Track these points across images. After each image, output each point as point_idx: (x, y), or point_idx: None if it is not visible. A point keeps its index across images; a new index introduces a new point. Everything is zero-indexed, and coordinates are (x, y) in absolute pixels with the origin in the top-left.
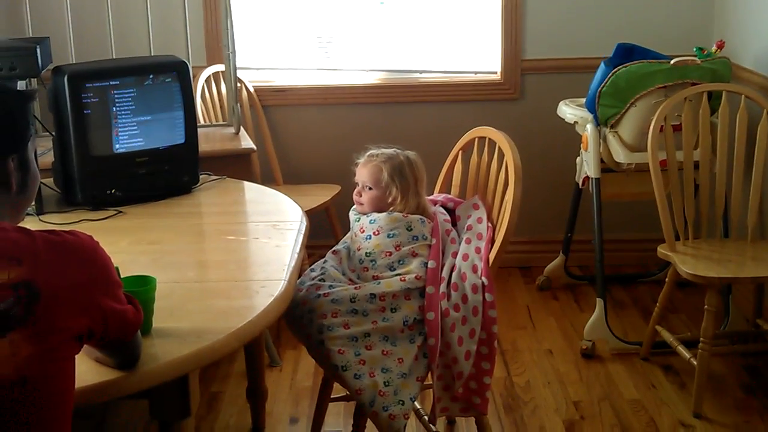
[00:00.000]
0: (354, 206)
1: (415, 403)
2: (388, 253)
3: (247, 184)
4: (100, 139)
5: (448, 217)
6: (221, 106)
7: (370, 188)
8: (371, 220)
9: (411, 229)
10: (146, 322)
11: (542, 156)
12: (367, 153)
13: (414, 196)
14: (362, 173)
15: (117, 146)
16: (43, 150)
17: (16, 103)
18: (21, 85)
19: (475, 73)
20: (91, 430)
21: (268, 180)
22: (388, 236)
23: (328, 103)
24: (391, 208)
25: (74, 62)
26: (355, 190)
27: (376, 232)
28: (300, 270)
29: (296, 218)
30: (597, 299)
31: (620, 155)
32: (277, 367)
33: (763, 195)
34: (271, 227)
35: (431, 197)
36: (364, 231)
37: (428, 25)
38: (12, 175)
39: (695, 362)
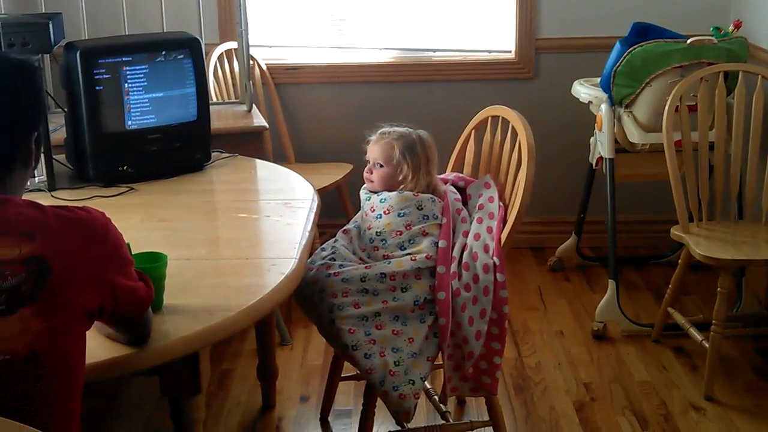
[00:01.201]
0: (365, 185)
1: (426, 382)
2: (398, 233)
3: (258, 161)
4: (112, 116)
5: (459, 196)
6: (233, 84)
7: (381, 165)
8: (381, 199)
9: (421, 209)
10: (157, 298)
11: (556, 136)
12: (380, 131)
13: (425, 175)
14: (374, 150)
15: (129, 123)
16: (55, 126)
17: (37, 78)
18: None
19: (489, 52)
20: (102, 407)
21: (279, 158)
22: (399, 215)
23: (341, 82)
24: (401, 187)
25: (87, 38)
26: (366, 167)
27: (387, 212)
28: (311, 249)
29: (308, 197)
30: (609, 281)
31: (635, 135)
32: (287, 346)
33: None
34: (283, 205)
35: (442, 176)
36: (374, 210)
37: (442, 3)
38: (33, 153)
39: (707, 345)
